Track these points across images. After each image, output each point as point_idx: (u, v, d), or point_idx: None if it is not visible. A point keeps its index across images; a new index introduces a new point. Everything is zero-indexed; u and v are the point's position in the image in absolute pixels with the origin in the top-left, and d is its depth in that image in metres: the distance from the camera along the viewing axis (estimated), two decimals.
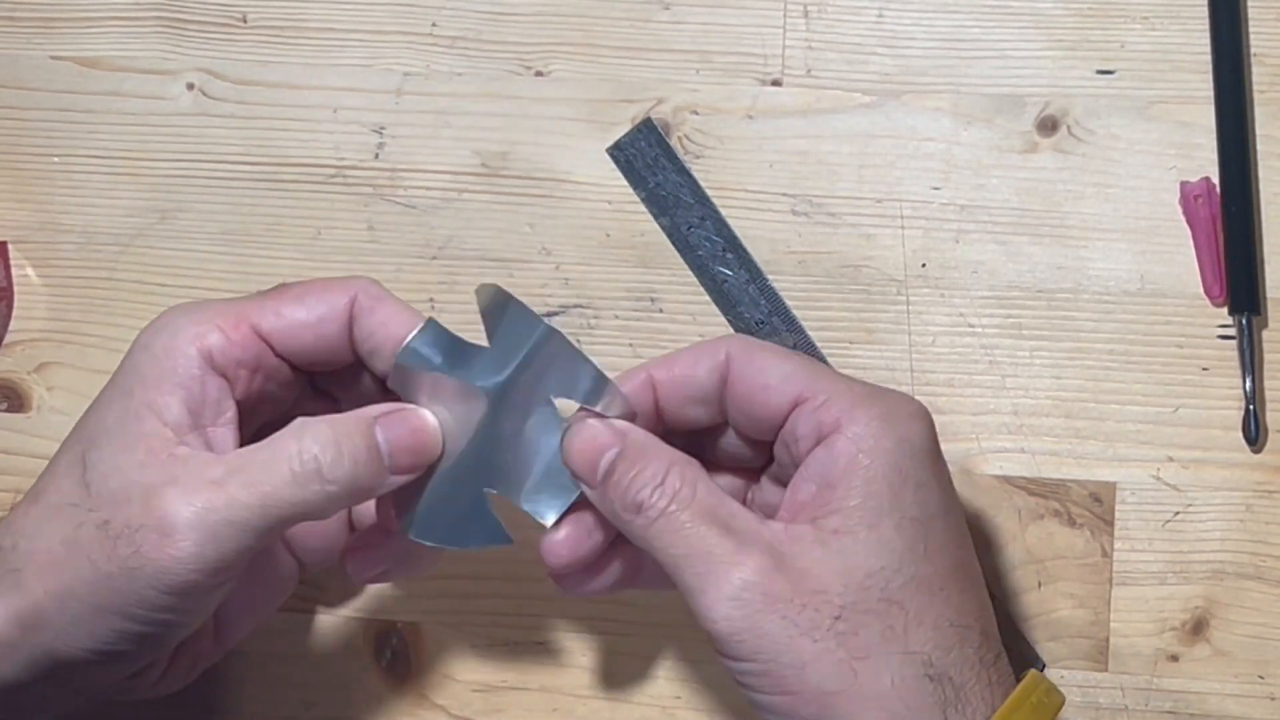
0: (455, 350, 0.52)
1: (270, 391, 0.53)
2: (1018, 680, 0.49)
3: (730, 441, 0.54)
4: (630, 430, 0.51)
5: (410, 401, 0.52)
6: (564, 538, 0.51)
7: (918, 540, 0.48)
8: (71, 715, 0.53)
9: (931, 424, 0.50)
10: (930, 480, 0.49)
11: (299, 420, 0.50)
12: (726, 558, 0.48)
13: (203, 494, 0.48)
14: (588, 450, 0.51)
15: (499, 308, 0.51)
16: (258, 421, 0.53)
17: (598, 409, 0.51)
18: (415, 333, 0.51)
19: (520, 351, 0.51)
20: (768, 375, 0.51)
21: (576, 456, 0.51)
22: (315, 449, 0.49)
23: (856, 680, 0.47)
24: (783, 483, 0.52)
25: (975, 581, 0.50)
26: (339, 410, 0.52)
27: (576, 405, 0.51)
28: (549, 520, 0.52)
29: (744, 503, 0.53)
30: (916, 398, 0.50)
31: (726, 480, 0.55)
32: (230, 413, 0.51)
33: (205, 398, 0.50)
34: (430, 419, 0.52)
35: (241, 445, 0.51)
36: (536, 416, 0.51)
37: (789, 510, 0.50)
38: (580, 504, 0.52)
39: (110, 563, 0.48)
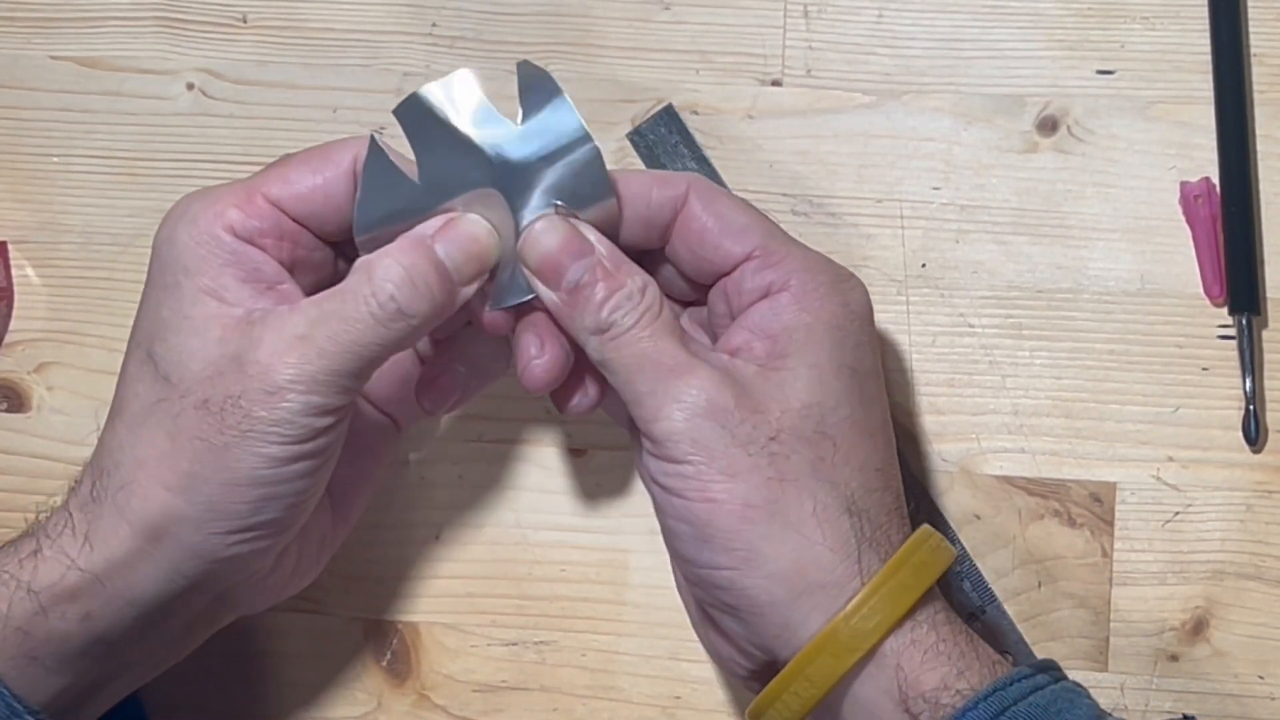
0: (481, 112, 0.51)
1: (301, 258, 0.52)
2: None
3: (666, 274, 0.54)
4: (602, 241, 0.51)
5: (410, 140, 0.51)
6: (545, 362, 0.51)
7: (854, 387, 0.50)
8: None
9: (869, 299, 0.52)
10: (866, 342, 0.51)
11: (362, 261, 0.50)
12: (679, 369, 0.49)
13: (295, 350, 0.48)
14: (557, 253, 0.51)
15: (542, 93, 0.50)
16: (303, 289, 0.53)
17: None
18: (452, 75, 0.50)
19: (550, 145, 0.51)
20: (727, 222, 0.52)
21: (543, 258, 0.51)
22: (390, 288, 0.49)
23: (781, 499, 0.48)
24: (702, 325, 0.54)
25: (894, 444, 0.52)
26: None
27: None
28: (483, 313, 0.52)
29: None
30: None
31: None
32: (284, 271, 0.51)
33: (254, 266, 0.50)
34: (481, 222, 0.51)
35: None
36: (535, 214, 0.51)
37: (725, 350, 0.51)
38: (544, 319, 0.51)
39: (223, 435, 0.48)
